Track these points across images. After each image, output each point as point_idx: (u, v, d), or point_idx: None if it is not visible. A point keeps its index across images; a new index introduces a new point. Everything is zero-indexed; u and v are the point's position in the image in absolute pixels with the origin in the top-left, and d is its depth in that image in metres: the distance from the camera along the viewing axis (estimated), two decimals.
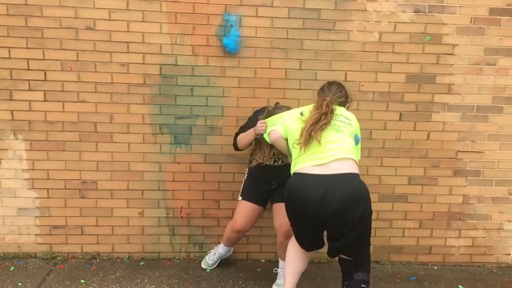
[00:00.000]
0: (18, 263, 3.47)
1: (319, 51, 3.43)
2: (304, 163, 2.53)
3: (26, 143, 3.41)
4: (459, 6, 3.43)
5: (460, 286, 3.44)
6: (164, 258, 3.66)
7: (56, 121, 3.39)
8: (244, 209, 3.14)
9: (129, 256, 3.64)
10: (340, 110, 2.67)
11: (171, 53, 3.37)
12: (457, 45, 3.49)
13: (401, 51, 3.47)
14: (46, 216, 3.52)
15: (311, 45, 3.42)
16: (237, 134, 3.12)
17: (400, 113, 3.57)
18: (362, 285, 2.54)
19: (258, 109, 3.18)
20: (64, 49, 3.30)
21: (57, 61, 3.31)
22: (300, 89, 3.46)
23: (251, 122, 3.03)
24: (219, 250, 3.42)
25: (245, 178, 3.26)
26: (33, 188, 3.47)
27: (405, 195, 3.68)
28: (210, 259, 3.46)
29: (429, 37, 3.47)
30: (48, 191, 3.48)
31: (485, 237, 3.80)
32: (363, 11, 3.41)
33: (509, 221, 3.78)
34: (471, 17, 3.46)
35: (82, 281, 3.24)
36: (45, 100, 3.36)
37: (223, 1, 3.31)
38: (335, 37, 3.42)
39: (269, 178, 3.13)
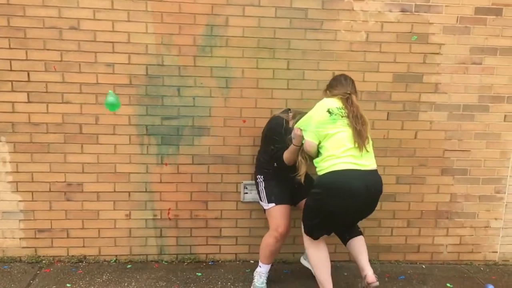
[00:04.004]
0: (2, 267, 3.40)
1: (307, 50, 3.42)
2: (345, 163, 2.65)
3: (9, 145, 3.35)
4: (445, 6, 3.46)
5: (448, 284, 3.46)
6: (151, 261, 3.62)
7: (40, 122, 3.34)
8: (282, 213, 3.08)
9: (116, 259, 3.60)
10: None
11: (157, 53, 3.33)
12: (444, 44, 3.51)
13: (388, 51, 3.49)
14: (31, 219, 3.46)
15: (299, 44, 3.41)
16: (274, 153, 3.07)
17: (388, 113, 3.58)
18: (359, 229, 3.01)
19: (274, 116, 3.14)
20: (47, 50, 3.25)
21: (40, 62, 3.26)
22: (288, 89, 3.46)
23: (279, 135, 3.02)
24: (263, 271, 3.19)
25: (264, 185, 3.16)
26: (17, 191, 3.41)
27: (393, 194, 3.69)
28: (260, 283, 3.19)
29: (415, 37, 3.48)
30: (32, 193, 3.43)
31: (473, 235, 3.83)
32: (350, 11, 3.41)
33: (496, 219, 3.81)
34: (457, 17, 3.48)
35: (68, 285, 3.19)
36: (29, 101, 3.30)
37: (209, 1, 3.29)
38: (323, 37, 3.42)
39: (290, 179, 3.04)
